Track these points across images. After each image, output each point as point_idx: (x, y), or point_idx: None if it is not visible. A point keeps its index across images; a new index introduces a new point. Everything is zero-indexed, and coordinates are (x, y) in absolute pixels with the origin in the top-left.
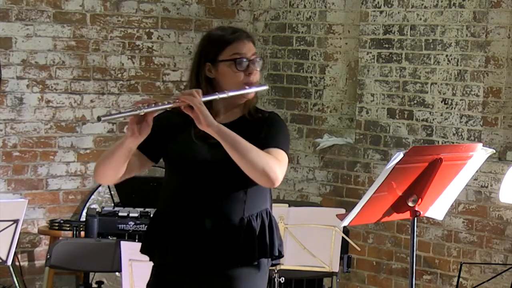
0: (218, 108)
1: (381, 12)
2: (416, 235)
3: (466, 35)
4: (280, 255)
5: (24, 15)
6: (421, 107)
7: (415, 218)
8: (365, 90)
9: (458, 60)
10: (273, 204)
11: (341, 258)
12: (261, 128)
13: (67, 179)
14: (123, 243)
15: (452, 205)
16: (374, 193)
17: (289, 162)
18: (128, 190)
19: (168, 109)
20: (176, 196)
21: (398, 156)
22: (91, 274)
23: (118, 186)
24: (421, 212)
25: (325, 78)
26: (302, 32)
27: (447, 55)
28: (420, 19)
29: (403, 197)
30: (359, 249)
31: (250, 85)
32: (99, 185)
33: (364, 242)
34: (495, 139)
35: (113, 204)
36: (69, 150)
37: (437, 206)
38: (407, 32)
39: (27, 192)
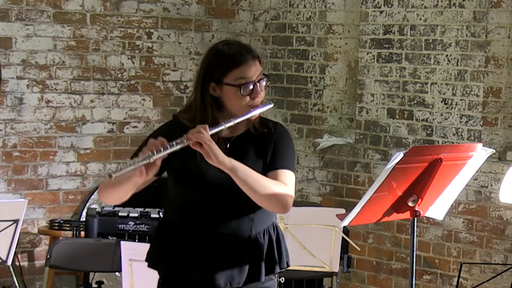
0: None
1: (381, 12)
2: (416, 235)
3: (466, 35)
4: (287, 265)
5: (24, 15)
6: (421, 107)
7: (415, 218)
8: (365, 90)
9: (458, 60)
10: None
11: (341, 258)
12: (268, 145)
13: (67, 179)
14: (123, 243)
15: (452, 205)
16: (374, 193)
17: None
18: None
19: (177, 150)
20: (184, 211)
21: (398, 156)
22: (91, 274)
23: None
24: (421, 212)
25: (325, 78)
26: (302, 32)
27: (447, 55)
28: (420, 19)
29: (403, 197)
30: (359, 249)
31: (256, 107)
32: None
33: (364, 242)
34: (495, 139)
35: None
36: (69, 150)
37: (437, 206)
38: (407, 32)
39: (27, 192)
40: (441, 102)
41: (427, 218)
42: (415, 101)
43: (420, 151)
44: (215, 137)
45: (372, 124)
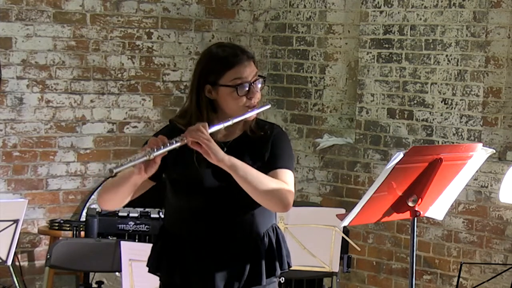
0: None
1: (381, 12)
2: (416, 235)
3: (466, 35)
4: (289, 266)
5: (24, 15)
6: (421, 107)
7: (415, 218)
8: (365, 90)
9: (458, 60)
10: None
11: (341, 258)
12: (265, 147)
13: (67, 179)
14: (123, 243)
15: (452, 205)
16: (374, 193)
17: None
18: None
19: (176, 148)
20: (183, 217)
21: (398, 156)
22: (91, 274)
23: None
24: (421, 212)
25: (325, 78)
26: (302, 32)
27: (447, 55)
28: (420, 19)
29: (403, 197)
30: (359, 249)
31: (252, 108)
32: (99, 185)
33: (364, 242)
34: (495, 139)
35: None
36: (69, 150)
37: (437, 206)
38: (407, 32)
39: (27, 192)
40: (441, 102)
41: (427, 218)
42: (415, 101)
43: (420, 151)
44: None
45: (372, 124)
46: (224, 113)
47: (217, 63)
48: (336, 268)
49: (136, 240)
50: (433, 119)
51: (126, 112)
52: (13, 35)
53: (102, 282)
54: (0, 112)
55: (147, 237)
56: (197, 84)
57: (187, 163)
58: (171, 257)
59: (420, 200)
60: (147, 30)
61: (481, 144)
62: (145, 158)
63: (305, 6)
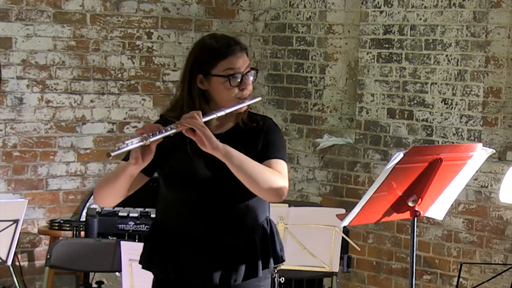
0: (211, 120)
1: (381, 12)
2: (416, 235)
3: (466, 35)
4: (282, 260)
5: (24, 15)
6: (421, 107)
7: (415, 218)
8: (365, 90)
9: (458, 60)
10: (273, 204)
11: (341, 258)
12: (258, 138)
13: (67, 179)
14: (123, 243)
15: (452, 205)
16: (374, 193)
17: (289, 162)
18: None
19: (171, 135)
20: (176, 211)
21: (398, 156)
22: (91, 274)
23: None
24: (421, 212)
25: (325, 78)
26: (302, 32)
27: (447, 55)
28: (420, 19)
29: (403, 197)
30: (359, 249)
31: (244, 99)
32: None
33: (364, 242)
34: (495, 139)
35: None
36: (69, 150)
37: (437, 206)
38: (407, 32)
39: (27, 192)
40: (441, 102)
41: (427, 218)
42: (415, 101)
43: (420, 151)
44: None
45: (372, 124)
46: (215, 105)
47: (210, 53)
48: (336, 268)
49: (136, 240)
50: (433, 119)
51: (126, 112)
52: (13, 35)
53: (102, 282)
54: (0, 112)
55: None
56: (189, 74)
57: (180, 157)
58: (164, 252)
59: (420, 200)
60: (147, 30)
61: (481, 144)
62: (142, 143)
63: (305, 6)
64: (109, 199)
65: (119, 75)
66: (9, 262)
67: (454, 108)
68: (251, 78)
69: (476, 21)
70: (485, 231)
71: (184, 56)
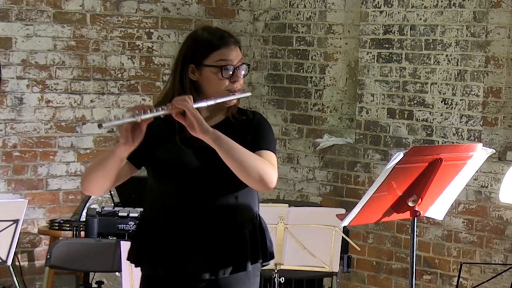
0: (201, 111)
1: (381, 12)
2: (416, 235)
3: (466, 35)
4: (272, 257)
5: (24, 15)
6: (421, 107)
7: (415, 218)
8: (365, 90)
9: (458, 60)
10: (273, 204)
11: (341, 258)
12: (247, 131)
13: (67, 179)
14: (123, 243)
15: (452, 205)
16: (374, 193)
17: (289, 162)
18: (128, 190)
19: (161, 116)
20: (165, 203)
21: (398, 156)
22: (91, 274)
23: (118, 186)
24: (421, 212)
25: (325, 78)
26: (302, 32)
27: (447, 55)
28: (420, 19)
29: (403, 197)
30: (359, 249)
31: (234, 92)
32: None
33: (364, 242)
34: (495, 139)
35: (113, 204)
36: (69, 150)
37: (437, 206)
38: (407, 32)
39: (27, 192)
40: (441, 102)
41: (427, 218)
42: (415, 101)
43: (420, 151)
44: None
45: (372, 124)
46: (205, 96)
47: (204, 43)
48: (336, 268)
49: None
50: (433, 119)
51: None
52: (13, 35)
53: (102, 282)
54: (0, 112)
55: None
56: (181, 64)
57: (169, 148)
58: (153, 248)
59: (420, 200)
60: (147, 30)
61: (481, 144)
62: (133, 119)
63: (305, 6)
64: (98, 186)
65: (119, 75)
66: (9, 262)
67: (454, 108)
68: (243, 72)
69: (476, 21)
70: (485, 231)
71: None
